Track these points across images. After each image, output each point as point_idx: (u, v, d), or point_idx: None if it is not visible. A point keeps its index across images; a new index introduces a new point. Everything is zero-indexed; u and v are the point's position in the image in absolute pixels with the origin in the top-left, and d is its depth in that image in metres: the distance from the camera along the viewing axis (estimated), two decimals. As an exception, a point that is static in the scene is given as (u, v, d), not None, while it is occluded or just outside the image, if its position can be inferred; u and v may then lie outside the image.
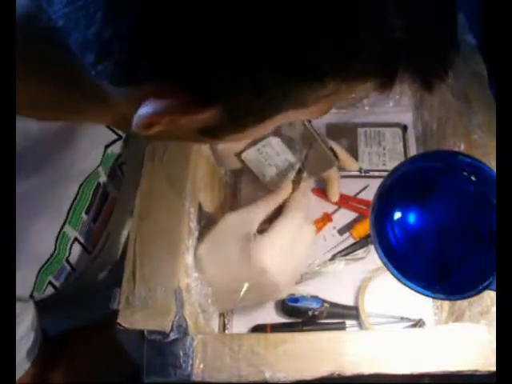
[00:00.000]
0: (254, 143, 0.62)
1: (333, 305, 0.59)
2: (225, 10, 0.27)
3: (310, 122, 0.63)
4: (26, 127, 0.40)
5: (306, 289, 0.61)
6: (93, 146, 0.51)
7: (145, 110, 0.31)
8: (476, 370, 0.41)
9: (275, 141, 0.61)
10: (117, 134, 0.54)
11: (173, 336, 0.42)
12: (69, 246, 0.51)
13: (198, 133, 0.35)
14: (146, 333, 0.42)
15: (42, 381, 0.54)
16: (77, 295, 0.63)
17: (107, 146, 0.53)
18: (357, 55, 0.30)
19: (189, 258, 0.48)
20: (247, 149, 0.62)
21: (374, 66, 0.31)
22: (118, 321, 0.42)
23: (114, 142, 0.54)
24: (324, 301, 0.59)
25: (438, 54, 0.32)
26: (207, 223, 0.55)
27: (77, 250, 0.53)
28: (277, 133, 0.62)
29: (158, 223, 0.48)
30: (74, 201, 0.50)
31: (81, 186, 0.50)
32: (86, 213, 0.52)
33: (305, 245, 0.54)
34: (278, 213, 0.55)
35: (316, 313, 0.59)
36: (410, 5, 0.29)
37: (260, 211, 0.54)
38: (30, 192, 0.43)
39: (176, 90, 0.30)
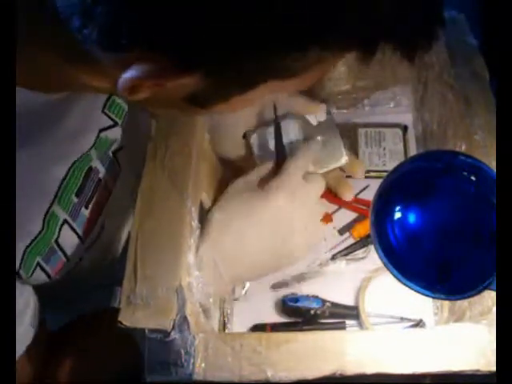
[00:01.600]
0: (266, 124, 0.62)
1: (333, 304, 0.60)
2: None
3: (330, 113, 0.64)
4: (20, 99, 0.40)
5: (307, 288, 0.61)
6: (86, 127, 0.51)
7: (128, 73, 0.32)
8: (477, 370, 0.41)
9: (291, 124, 0.62)
10: (112, 120, 0.54)
11: (174, 335, 0.42)
12: (58, 227, 0.51)
13: (184, 101, 0.36)
14: (147, 331, 0.42)
15: (43, 374, 0.54)
16: (77, 291, 0.63)
17: (101, 130, 0.53)
18: (336, 28, 0.30)
19: (190, 257, 0.48)
20: (257, 130, 0.62)
21: (353, 39, 0.31)
22: (119, 319, 0.42)
23: (109, 127, 0.54)
24: (324, 300, 0.60)
25: (415, 26, 0.32)
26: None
27: (67, 234, 0.52)
28: (296, 116, 0.62)
29: (159, 222, 0.48)
30: (63, 180, 0.50)
31: (71, 166, 0.50)
32: (77, 195, 0.52)
33: (316, 214, 0.55)
34: None
35: (316, 312, 0.59)
36: None
37: (266, 168, 0.56)
38: (17, 168, 0.42)
39: (158, 56, 0.31)
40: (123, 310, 0.43)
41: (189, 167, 0.52)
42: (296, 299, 0.59)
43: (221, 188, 0.57)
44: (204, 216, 0.53)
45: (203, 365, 0.42)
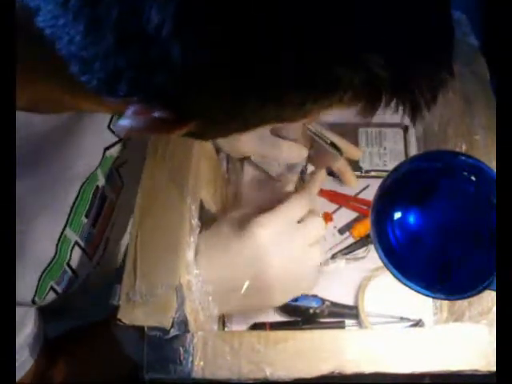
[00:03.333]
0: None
1: (332, 304, 0.60)
2: (201, 30, 0.26)
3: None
4: (27, 122, 0.40)
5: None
6: (93, 146, 0.51)
7: (125, 122, 0.32)
8: (476, 370, 0.41)
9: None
10: (118, 135, 0.54)
11: (173, 332, 0.42)
12: (69, 249, 0.51)
13: (185, 135, 0.36)
14: (146, 329, 0.42)
15: (42, 381, 0.54)
16: (77, 302, 0.63)
17: (106, 149, 0.53)
18: (336, 86, 0.29)
19: (190, 255, 0.48)
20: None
21: (354, 95, 0.30)
22: (118, 316, 0.42)
23: (113, 144, 0.54)
24: (323, 300, 0.59)
25: (422, 82, 0.31)
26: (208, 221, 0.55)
27: (77, 254, 0.52)
28: (279, 134, 0.62)
29: (159, 219, 0.48)
30: (74, 203, 0.49)
31: (81, 187, 0.50)
32: (86, 216, 0.52)
33: (305, 262, 0.53)
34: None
35: (316, 311, 0.59)
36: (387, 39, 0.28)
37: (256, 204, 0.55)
38: (29, 192, 0.43)
39: (155, 107, 0.31)
40: (122, 307, 0.43)
41: (189, 165, 0.52)
42: (295, 298, 0.59)
43: (222, 186, 0.57)
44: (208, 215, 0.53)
45: (202, 363, 0.42)
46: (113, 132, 0.53)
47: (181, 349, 0.42)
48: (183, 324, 0.43)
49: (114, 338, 0.44)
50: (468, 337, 0.43)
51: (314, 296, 0.59)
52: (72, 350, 0.57)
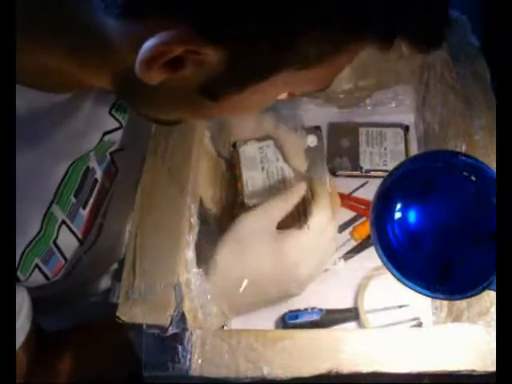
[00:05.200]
0: (259, 139, 0.62)
1: (332, 311, 0.59)
2: None
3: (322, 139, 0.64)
4: (28, 97, 0.40)
5: (306, 288, 0.61)
6: (90, 129, 0.50)
7: (151, 41, 0.31)
8: (473, 371, 0.41)
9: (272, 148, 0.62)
10: (119, 121, 0.54)
11: (172, 330, 0.42)
12: (56, 227, 0.50)
13: (198, 91, 0.36)
14: (144, 327, 0.42)
15: (44, 378, 0.54)
16: (78, 296, 0.63)
17: (106, 133, 0.53)
18: (361, 20, 0.31)
19: (189, 253, 0.48)
20: (249, 142, 0.62)
21: (373, 32, 0.32)
22: (117, 314, 0.42)
23: (114, 130, 0.53)
24: (323, 309, 0.59)
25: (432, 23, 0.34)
26: (213, 225, 0.55)
27: (65, 234, 0.52)
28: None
29: (158, 218, 0.48)
30: (62, 180, 0.49)
31: (70, 166, 0.50)
32: (75, 196, 0.52)
33: (328, 242, 0.56)
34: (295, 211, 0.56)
35: (317, 322, 0.58)
36: None
37: (277, 210, 0.55)
38: (18, 168, 0.42)
39: (182, 22, 0.30)
40: (121, 305, 0.43)
41: (189, 164, 0.52)
42: (295, 316, 0.59)
43: (221, 185, 0.57)
44: (207, 215, 0.53)
45: (200, 361, 0.42)
46: (114, 118, 0.53)
47: (179, 347, 0.42)
48: (182, 322, 0.43)
49: (119, 333, 0.44)
50: (466, 337, 0.43)
51: (313, 308, 0.59)
52: (78, 343, 0.57)
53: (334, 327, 0.59)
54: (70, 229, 0.53)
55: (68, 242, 0.53)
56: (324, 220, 0.55)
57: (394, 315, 0.59)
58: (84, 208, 0.54)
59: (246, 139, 0.63)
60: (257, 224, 0.53)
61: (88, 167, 0.53)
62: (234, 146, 0.63)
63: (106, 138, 0.53)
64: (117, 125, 0.54)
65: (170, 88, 0.35)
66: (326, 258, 0.57)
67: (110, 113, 0.53)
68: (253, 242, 0.52)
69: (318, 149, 0.63)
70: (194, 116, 0.46)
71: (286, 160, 0.62)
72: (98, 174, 0.55)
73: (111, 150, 0.56)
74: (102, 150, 0.54)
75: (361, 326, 0.59)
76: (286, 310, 0.59)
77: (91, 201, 0.54)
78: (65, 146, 0.48)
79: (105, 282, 0.68)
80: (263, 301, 0.54)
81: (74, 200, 0.52)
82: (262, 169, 0.61)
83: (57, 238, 0.51)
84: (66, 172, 0.50)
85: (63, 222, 0.51)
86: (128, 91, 0.39)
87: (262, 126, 0.63)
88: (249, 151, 0.62)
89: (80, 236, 0.54)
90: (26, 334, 0.51)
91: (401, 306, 0.59)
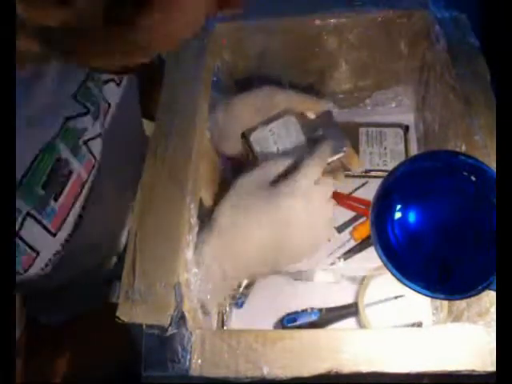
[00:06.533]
0: (267, 122, 0.62)
1: (331, 309, 0.59)
2: None
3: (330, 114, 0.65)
4: None
5: (306, 288, 0.61)
6: (51, 112, 0.49)
7: None
8: (473, 371, 0.41)
9: (291, 120, 0.62)
10: (86, 106, 0.53)
11: (171, 331, 0.42)
12: (19, 220, 0.48)
13: (107, 22, 0.33)
14: (144, 327, 0.42)
15: (42, 371, 0.54)
16: (75, 287, 0.62)
17: (68, 119, 0.51)
18: None
19: (189, 253, 0.48)
20: (258, 128, 0.62)
21: None
22: (117, 314, 0.42)
23: (78, 115, 0.52)
24: (321, 309, 0.59)
25: None
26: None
27: (32, 227, 0.50)
28: (294, 112, 0.63)
29: (158, 218, 0.48)
30: (26, 173, 0.47)
31: (36, 156, 0.48)
32: (43, 188, 0.50)
33: (318, 208, 0.55)
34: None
35: (316, 322, 0.58)
36: None
37: (274, 168, 0.55)
38: None
39: None
40: (121, 305, 0.43)
41: (189, 164, 0.52)
42: (294, 319, 0.59)
43: (221, 185, 0.57)
44: (207, 214, 0.53)
45: (200, 361, 0.42)
46: (79, 103, 0.51)
47: (179, 347, 0.42)
48: (181, 322, 0.43)
49: (117, 326, 0.44)
50: (466, 337, 0.43)
51: (312, 309, 0.59)
52: (77, 336, 0.57)
53: (334, 326, 0.59)
54: (39, 221, 0.50)
55: (36, 234, 0.51)
56: (308, 183, 0.54)
57: (394, 315, 0.59)
58: (56, 200, 0.52)
59: (253, 126, 0.62)
60: (254, 182, 0.54)
61: (59, 158, 0.51)
62: (243, 136, 0.63)
63: (71, 123, 0.51)
64: (83, 110, 0.52)
65: (84, 29, 0.34)
66: (320, 227, 0.55)
67: (74, 98, 0.51)
68: (250, 199, 0.53)
69: (327, 115, 0.64)
70: (127, 54, 0.41)
71: (308, 125, 0.62)
72: (73, 165, 0.53)
73: (85, 139, 0.54)
74: (70, 139, 0.52)
75: (361, 325, 0.59)
76: (283, 314, 0.60)
77: (64, 193, 0.52)
78: (27, 130, 0.45)
79: (104, 275, 0.68)
80: (264, 264, 0.53)
81: (41, 192, 0.49)
82: (278, 149, 0.62)
83: (20, 229, 0.48)
84: (31, 163, 0.47)
85: (28, 213, 0.49)
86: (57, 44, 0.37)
87: (273, 103, 0.63)
88: (260, 136, 0.62)
89: (52, 229, 0.52)
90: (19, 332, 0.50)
91: (396, 297, 0.59)
